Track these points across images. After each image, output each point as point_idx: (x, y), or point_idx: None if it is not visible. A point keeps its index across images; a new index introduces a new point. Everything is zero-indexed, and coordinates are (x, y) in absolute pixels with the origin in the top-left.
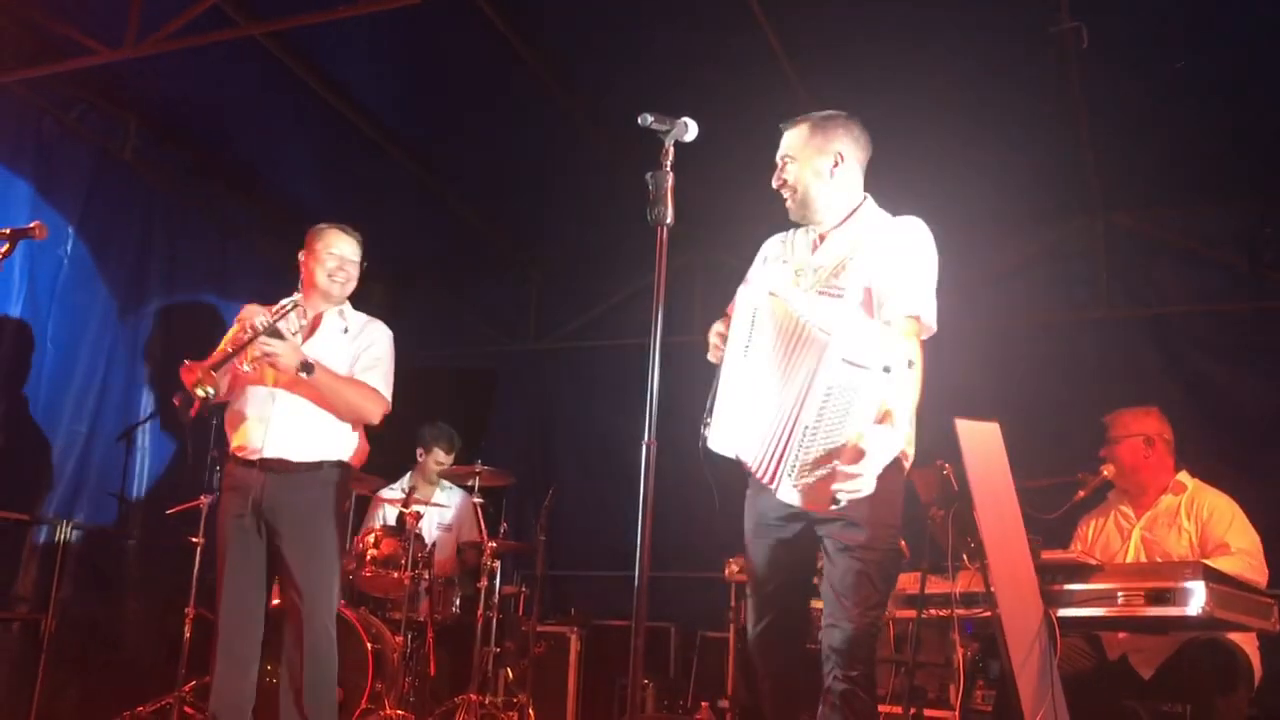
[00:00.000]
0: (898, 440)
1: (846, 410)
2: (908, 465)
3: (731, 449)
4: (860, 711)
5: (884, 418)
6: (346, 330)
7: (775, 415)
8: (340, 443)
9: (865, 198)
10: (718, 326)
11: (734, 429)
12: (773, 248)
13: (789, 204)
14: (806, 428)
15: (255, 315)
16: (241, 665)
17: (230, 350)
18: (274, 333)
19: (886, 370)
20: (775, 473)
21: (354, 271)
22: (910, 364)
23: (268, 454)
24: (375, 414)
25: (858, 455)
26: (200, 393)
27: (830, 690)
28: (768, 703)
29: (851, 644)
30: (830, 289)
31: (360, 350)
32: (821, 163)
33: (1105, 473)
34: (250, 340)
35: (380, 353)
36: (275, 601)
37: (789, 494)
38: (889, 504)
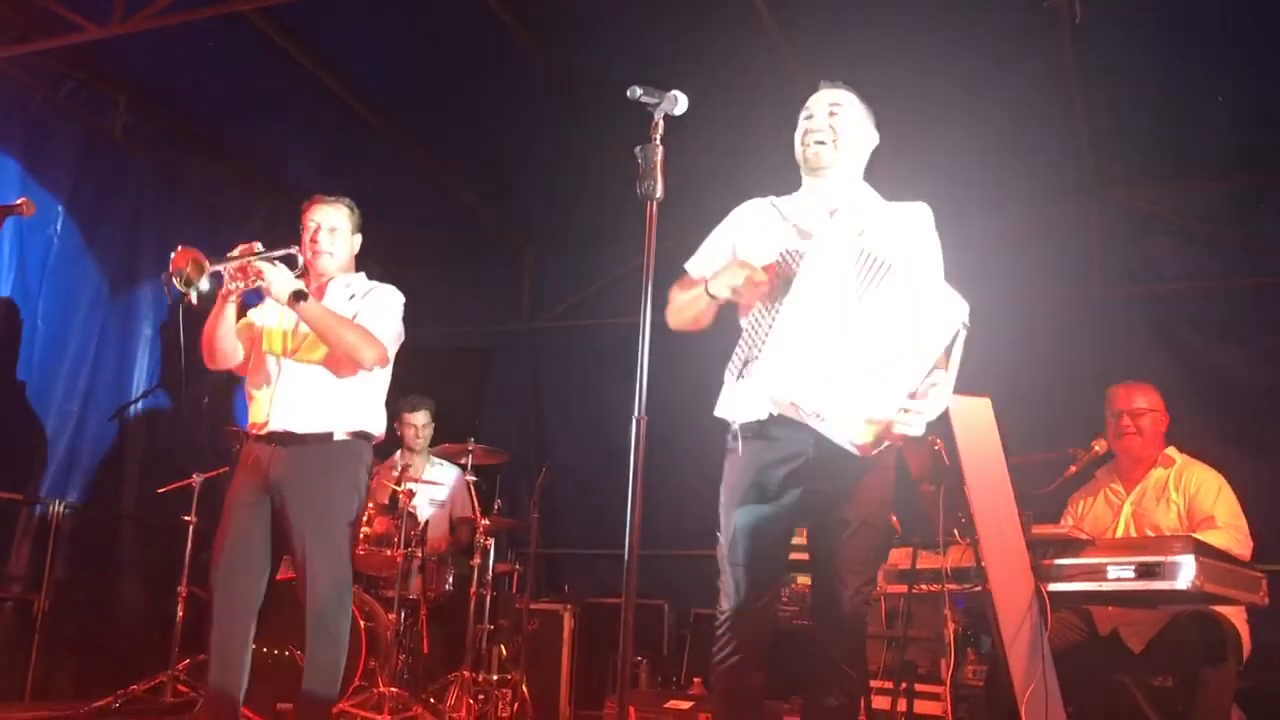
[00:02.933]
0: (948, 396)
1: (928, 354)
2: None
3: (788, 394)
4: (851, 690)
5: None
6: (353, 296)
7: (850, 356)
8: (354, 413)
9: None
10: (748, 275)
11: (793, 373)
12: (763, 211)
13: (820, 150)
14: (887, 367)
15: (256, 245)
16: (238, 637)
17: (225, 260)
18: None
19: (965, 326)
20: (848, 413)
21: (338, 240)
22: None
23: (275, 426)
24: (366, 355)
25: (929, 398)
26: (178, 283)
27: (826, 668)
28: (756, 680)
29: (846, 619)
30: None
31: (363, 303)
32: (866, 134)
33: (1097, 448)
34: (244, 257)
35: (382, 302)
36: (280, 576)
37: (862, 431)
38: (886, 480)
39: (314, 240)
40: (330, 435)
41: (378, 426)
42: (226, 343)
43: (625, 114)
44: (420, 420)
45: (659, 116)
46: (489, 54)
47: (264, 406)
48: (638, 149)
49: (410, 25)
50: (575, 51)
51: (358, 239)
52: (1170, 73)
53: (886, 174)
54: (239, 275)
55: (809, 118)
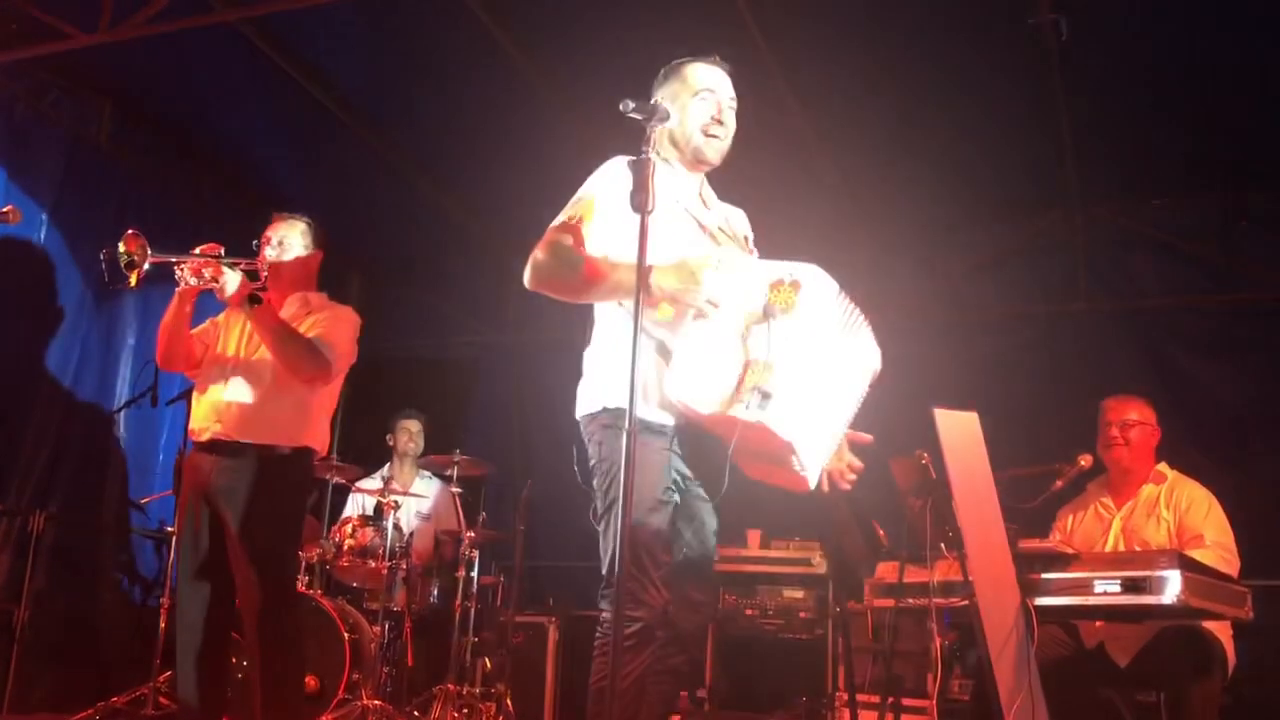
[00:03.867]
0: None
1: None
2: None
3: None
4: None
5: None
6: (310, 313)
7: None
8: (298, 427)
9: None
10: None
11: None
12: (666, 202)
13: (716, 146)
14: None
15: (219, 248)
16: (201, 660)
17: (184, 258)
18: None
19: None
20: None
21: (285, 254)
22: None
23: (219, 435)
24: (308, 367)
25: None
26: (121, 263)
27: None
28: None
29: None
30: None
31: (317, 319)
32: None
33: (1083, 463)
34: (199, 257)
35: (335, 320)
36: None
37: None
38: None
39: (260, 253)
40: (273, 448)
41: (321, 443)
42: (180, 341)
43: (615, 126)
44: (414, 428)
45: (650, 130)
46: (477, 65)
47: (210, 413)
48: (628, 162)
49: (396, 35)
50: (563, 61)
51: (316, 255)
52: (1154, 90)
53: (872, 191)
54: (196, 273)
55: (712, 103)
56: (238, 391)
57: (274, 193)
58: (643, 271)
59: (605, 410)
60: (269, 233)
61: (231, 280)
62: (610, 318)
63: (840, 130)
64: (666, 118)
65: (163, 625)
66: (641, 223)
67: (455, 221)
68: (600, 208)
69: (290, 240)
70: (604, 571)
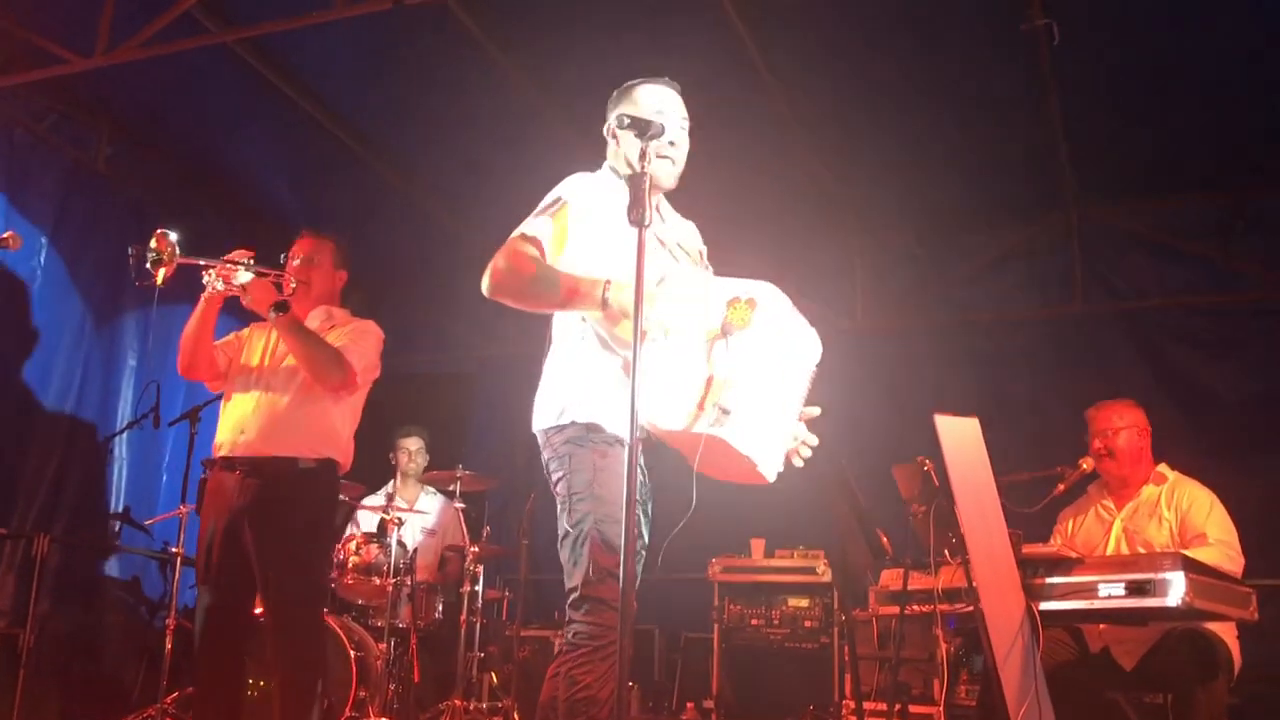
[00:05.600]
0: None
1: None
2: None
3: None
4: None
5: None
6: (333, 327)
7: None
8: (321, 440)
9: None
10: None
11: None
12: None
13: (667, 170)
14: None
15: (249, 254)
16: (223, 678)
17: (212, 262)
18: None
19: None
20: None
21: (314, 271)
22: None
23: (243, 451)
24: (334, 375)
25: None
26: (149, 256)
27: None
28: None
29: None
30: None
31: (341, 332)
32: None
33: (1084, 466)
34: (229, 263)
35: (359, 333)
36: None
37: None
38: None
39: (287, 265)
40: (295, 460)
41: (345, 456)
42: (204, 348)
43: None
44: (413, 446)
45: (646, 145)
46: (473, 81)
47: (234, 424)
48: (626, 178)
49: (392, 53)
50: (559, 76)
51: (342, 275)
52: (1149, 90)
53: (867, 196)
54: (223, 276)
55: (662, 125)
56: (262, 402)
57: (273, 212)
58: (640, 287)
59: (574, 424)
60: (297, 248)
61: (258, 287)
62: (570, 330)
63: (835, 135)
64: (660, 133)
65: (169, 646)
66: (639, 236)
67: (452, 234)
68: (571, 220)
69: (318, 256)
70: (575, 583)
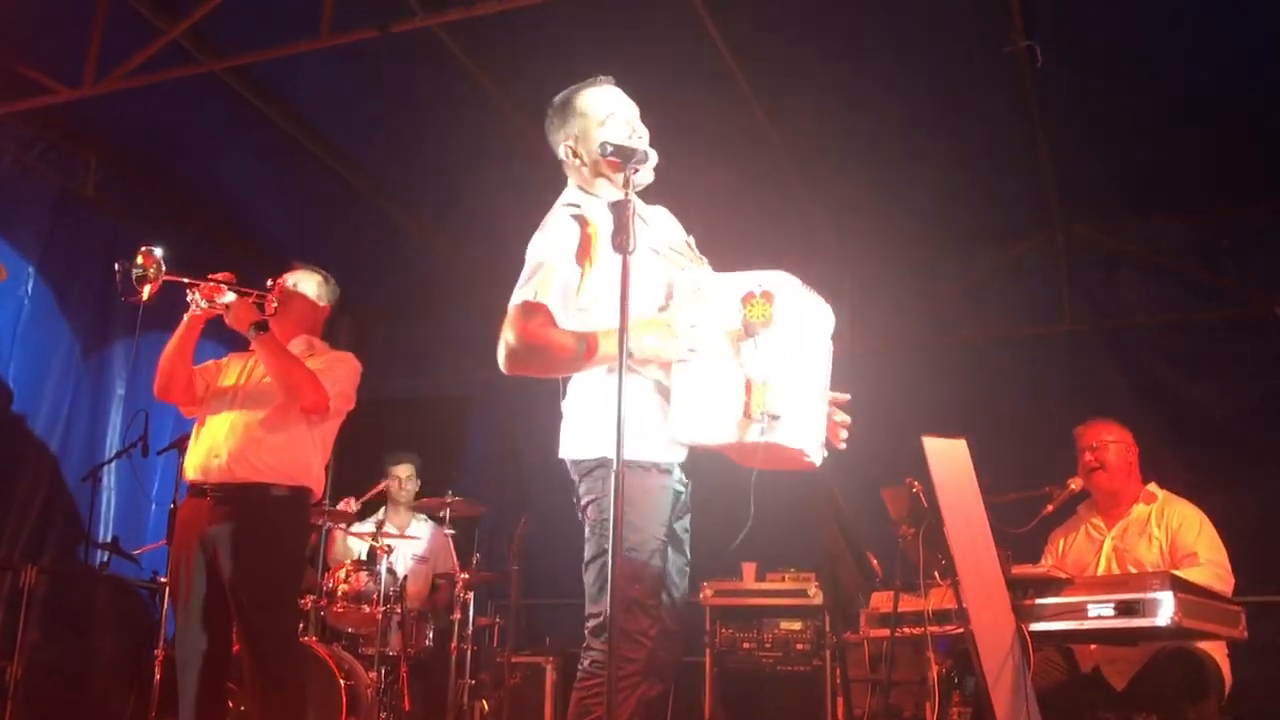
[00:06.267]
0: None
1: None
2: None
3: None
4: None
5: None
6: (313, 355)
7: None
8: (293, 467)
9: None
10: (688, 317)
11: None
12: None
13: (648, 169)
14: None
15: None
16: (201, 705)
17: (196, 280)
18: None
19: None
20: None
21: (294, 298)
22: None
23: (216, 477)
24: (307, 393)
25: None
26: (135, 272)
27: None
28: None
29: None
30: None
31: (320, 361)
32: None
33: (1072, 486)
34: (210, 282)
35: (335, 360)
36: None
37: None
38: None
39: (272, 288)
40: (269, 488)
41: (317, 484)
42: (182, 367)
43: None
44: (404, 473)
45: (630, 172)
46: (461, 107)
47: (206, 449)
48: (610, 204)
49: (379, 79)
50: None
51: (325, 308)
52: (1131, 111)
53: (855, 216)
54: (207, 296)
55: (622, 123)
56: (236, 424)
57: (262, 240)
58: (625, 322)
59: (608, 458)
60: (285, 275)
61: (240, 306)
62: None
63: (820, 158)
64: (645, 159)
65: (158, 676)
66: (624, 264)
67: (442, 259)
68: (559, 273)
69: (304, 285)
70: (599, 610)
